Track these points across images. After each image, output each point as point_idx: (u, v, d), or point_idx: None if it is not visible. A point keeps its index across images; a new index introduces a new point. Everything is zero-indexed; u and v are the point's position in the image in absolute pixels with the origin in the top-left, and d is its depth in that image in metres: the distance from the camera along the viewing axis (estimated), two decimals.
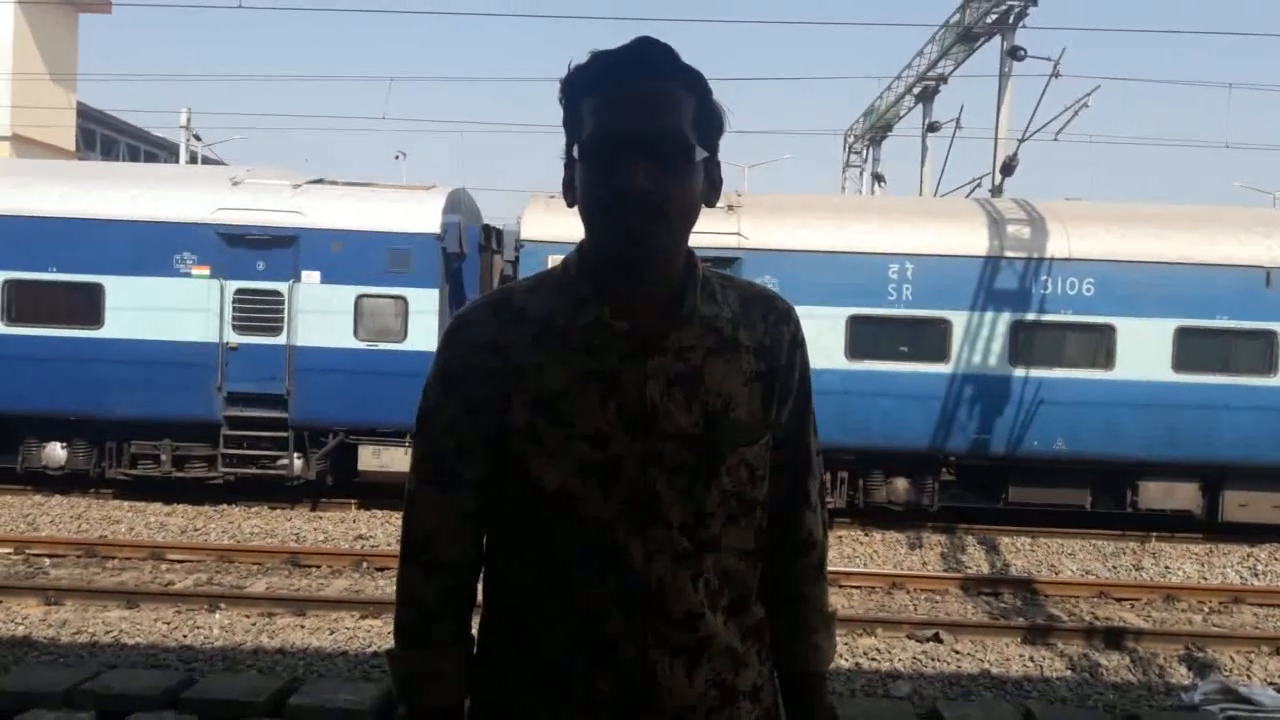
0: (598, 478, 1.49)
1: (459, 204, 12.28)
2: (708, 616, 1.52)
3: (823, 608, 1.70)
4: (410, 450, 1.65)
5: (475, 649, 1.62)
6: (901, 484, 11.74)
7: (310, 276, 11.57)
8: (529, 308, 1.55)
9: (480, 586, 1.63)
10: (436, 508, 1.57)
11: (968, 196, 17.43)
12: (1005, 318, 11.39)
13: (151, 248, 11.47)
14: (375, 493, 11.96)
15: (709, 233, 10.88)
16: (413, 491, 1.59)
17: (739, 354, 1.55)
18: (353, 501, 12.11)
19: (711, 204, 1.54)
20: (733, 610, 1.56)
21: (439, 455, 1.57)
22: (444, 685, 1.57)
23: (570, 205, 1.53)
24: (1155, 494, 11.59)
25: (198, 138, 28.97)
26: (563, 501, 1.49)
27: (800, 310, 1.69)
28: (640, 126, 1.43)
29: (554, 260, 1.63)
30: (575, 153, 1.49)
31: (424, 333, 11.33)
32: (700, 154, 1.48)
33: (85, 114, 29.93)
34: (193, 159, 28.14)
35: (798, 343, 1.62)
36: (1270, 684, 7.05)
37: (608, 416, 1.48)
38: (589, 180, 1.47)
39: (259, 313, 11.58)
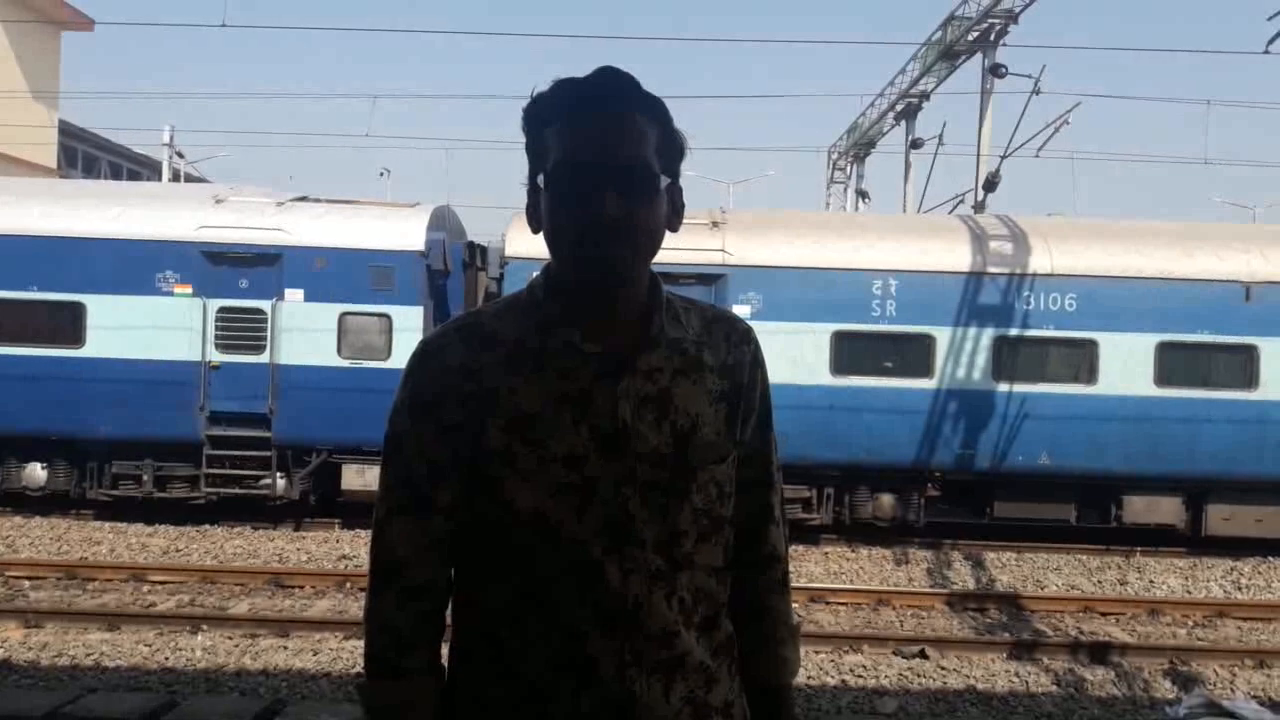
0: (572, 499, 1.49)
1: (443, 221, 12.28)
2: (683, 634, 1.53)
3: (788, 620, 1.73)
4: (379, 476, 1.63)
5: (446, 677, 1.60)
6: (887, 500, 11.77)
7: (293, 294, 11.53)
8: (498, 331, 1.56)
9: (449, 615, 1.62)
10: (409, 534, 1.56)
11: (950, 213, 17.54)
12: (988, 333, 11.44)
13: (133, 266, 11.42)
14: (359, 512, 11.87)
15: (693, 250, 10.91)
16: (382, 519, 1.57)
17: (704, 374, 1.58)
18: (336, 521, 12.05)
19: (675, 228, 1.57)
20: (704, 627, 1.57)
21: (411, 481, 1.56)
22: (418, 716, 1.56)
23: (535, 232, 1.55)
24: (1139, 508, 11.65)
25: (180, 155, 28.91)
26: (538, 523, 1.50)
27: (785, 326, 1.72)
28: (608, 158, 1.45)
29: None
30: (540, 180, 1.51)
31: (408, 351, 11.05)
32: (664, 181, 1.51)
33: (67, 131, 29.80)
34: (175, 176, 28.06)
35: (758, 362, 1.66)
36: (1254, 698, 7.08)
37: (581, 438, 1.49)
38: (558, 209, 1.49)
39: (242, 331, 11.53)
